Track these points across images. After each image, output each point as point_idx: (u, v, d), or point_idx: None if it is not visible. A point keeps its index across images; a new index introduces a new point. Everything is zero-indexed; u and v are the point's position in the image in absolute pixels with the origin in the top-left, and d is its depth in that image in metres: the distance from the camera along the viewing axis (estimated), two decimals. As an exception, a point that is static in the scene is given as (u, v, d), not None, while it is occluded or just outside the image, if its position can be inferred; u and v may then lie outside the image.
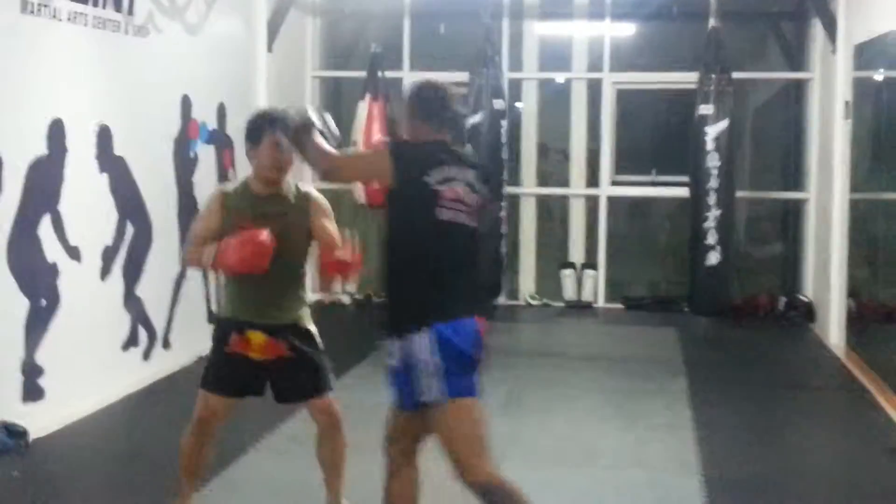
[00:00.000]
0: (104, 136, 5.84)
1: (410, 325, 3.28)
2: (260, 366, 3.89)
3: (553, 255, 9.51)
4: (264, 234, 3.66)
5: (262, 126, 3.80)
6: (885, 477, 4.71)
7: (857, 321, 7.29)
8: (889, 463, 4.89)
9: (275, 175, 3.85)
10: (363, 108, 8.63)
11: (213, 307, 7.15)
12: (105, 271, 5.91)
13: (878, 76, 7.89)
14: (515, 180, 9.18)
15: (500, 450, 4.92)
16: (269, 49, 8.13)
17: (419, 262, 3.33)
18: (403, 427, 3.52)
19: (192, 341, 6.74)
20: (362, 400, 5.79)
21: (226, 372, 3.90)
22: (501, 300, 9.09)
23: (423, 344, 3.25)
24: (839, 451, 5.25)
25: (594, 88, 9.30)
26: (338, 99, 10.11)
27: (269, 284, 3.81)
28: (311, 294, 9.08)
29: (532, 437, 5.21)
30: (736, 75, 8.49)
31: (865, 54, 7.68)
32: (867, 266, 7.41)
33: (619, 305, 9.12)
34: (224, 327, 3.94)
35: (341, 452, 4.08)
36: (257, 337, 3.88)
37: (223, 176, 7.40)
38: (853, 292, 7.42)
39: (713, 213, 8.27)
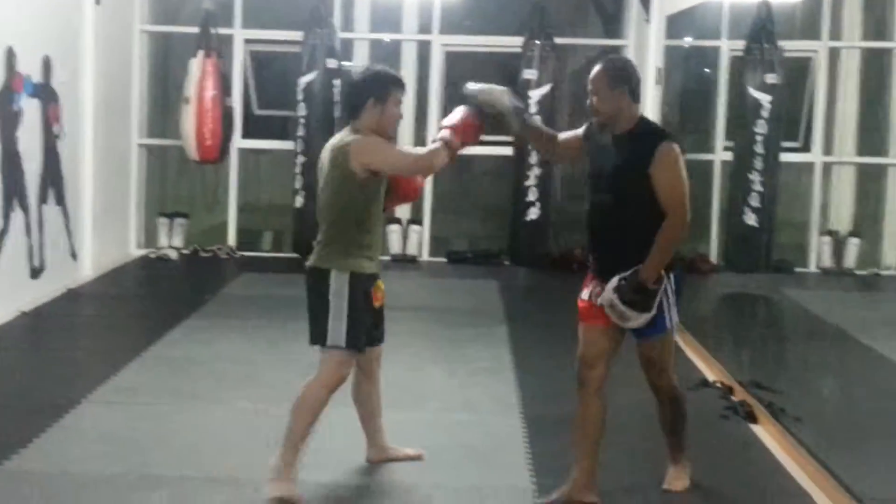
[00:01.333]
0: (-76, 88, 5.70)
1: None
2: (379, 312, 4.08)
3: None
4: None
5: (387, 84, 3.94)
6: (689, 407, 5.18)
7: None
8: (690, 395, 5.36)
9: (393, 132, 4.05)
10: (196, 65, 8.59)
11: (37, 262, 7.07)
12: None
13: (685, 44, 8.47)
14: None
15: (335, 398, 5.19)
16: (97, 2, 7.98)
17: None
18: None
19: (15, 297, 6.67)
20: (196, 353, 5.94)
21: (369, 326, 3.99)
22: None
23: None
24: (644, 386, 5.68)
25: (424, 50, 9.55)
26: (167, 54, 10.00)
27: (380, 232, 4.08)
28: (137, 250, 9.14)
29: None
30: (558, 41, 8.92)
31: (675, 25, 8.22)
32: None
33: (443, 259, 9.46)
34: (364, 283, 3.92)
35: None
36: (381, 284, 4.07)
37: (48, 130, 7.28)
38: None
39: (534, 172, 8.75)
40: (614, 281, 3.80)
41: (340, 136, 3.96)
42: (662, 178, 3.77)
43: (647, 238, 3.77)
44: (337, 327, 3.86)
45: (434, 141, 3.95)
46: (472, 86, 4.08)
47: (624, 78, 3.86)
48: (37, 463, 4.15)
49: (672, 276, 3.86)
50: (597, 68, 3.90)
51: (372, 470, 4.21)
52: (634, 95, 3.87)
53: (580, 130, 4.08)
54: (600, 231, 3.94)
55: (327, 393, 3.96)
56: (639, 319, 3.83)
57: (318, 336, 3.94)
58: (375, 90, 3.92)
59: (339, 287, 3.87)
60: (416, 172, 4.04)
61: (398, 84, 3.97)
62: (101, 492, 3.89)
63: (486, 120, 3.97)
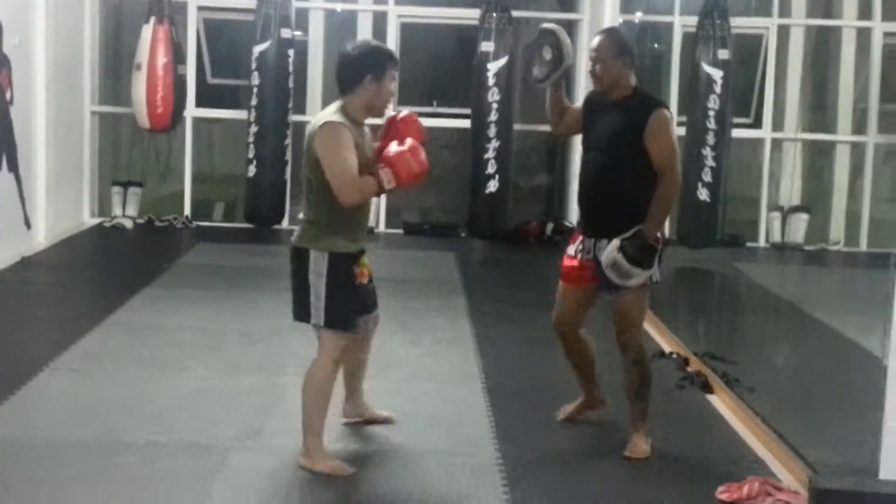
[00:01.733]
0: None
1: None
2: (365, 288, 4.06)
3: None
4: (416, 143, 3.91)
5: (385, 61, 3.91)
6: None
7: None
8: (653, 365, 5.49)
9: (385, 110, 4.04)
10: (147, 31, 8.48)
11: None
12: None
13: (637, 19, 8.56)
14: (301, 109, 9.32)
15: (296, 367, 5.23)
16: (48, -34, 7.86)
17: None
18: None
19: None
20: (157, 321, 5.93)
21: (356, 306, 3.98)
22: (284, 226, 9.27)
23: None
24: (600, 359, 5.80)
25: (380, 20, 9.53)
26: (119, 20, 9.86)
27: (368, 209, 4.09)
28: (91, 218, 9.04)
29: (323, 353, 5.47)
30: (514, 13, 8.96)
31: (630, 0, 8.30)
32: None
33: (399, 231, 9.50)
34: (344, 263, 3.90)
35: None
36: (365, 260, 4.06)
37: (0, 96, 7.17)
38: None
39: (493, 145, 8.79)
40: (616, 242, 4.00)
41: (324, 114, 3.92)
42: (657, 142, 4.03)
43: (636, 198, 4.06)
44: (318, 306, 3.87)
45: (374, 172, 3.81)
46: (550, 25, 4.25)
47: (627, 49, 4.13)
48: (4, 429, 4.15)
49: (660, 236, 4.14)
50: (601, 38, 4.16)
51: (337, 436, 4.26)
52: (632, 65, 4.14)
53: (580, 103, 4.39)
54: (593, 191, 4.20)
55: (333, 365, 3.99)
56: (640, 277, 4.04)
57: (301, 314, 3.96)
58: (373, 66, 3.88)
59: (317, 267, 3.87)
60: (341, 194, 3.76)
61: (394, 61, 3.96)
62: (70, 457, 3.90)
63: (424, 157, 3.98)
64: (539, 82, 4.28)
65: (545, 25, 4.25)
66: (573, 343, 4.44)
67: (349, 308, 3.93)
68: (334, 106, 3.93)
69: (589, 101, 4.31)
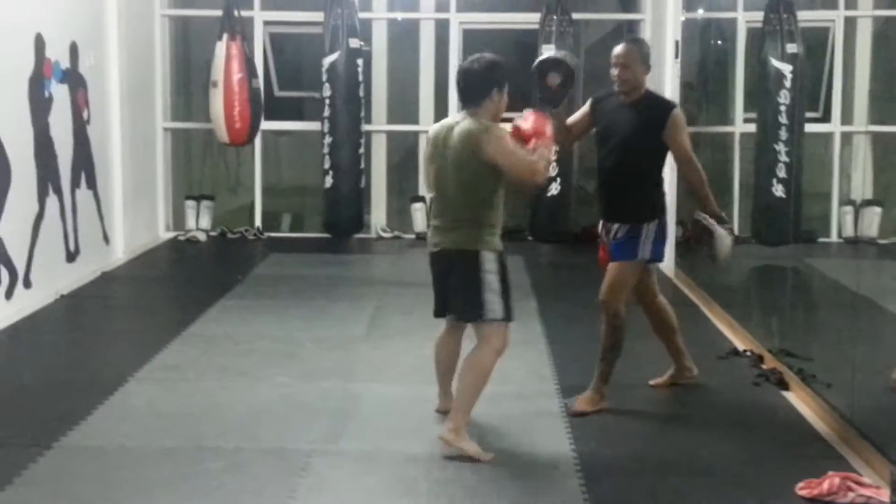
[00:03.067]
0: (-39, 76, 5.80)
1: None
2: None
3: (404, 189, 9.87)
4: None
5: (506, 74, 4.20)
6: (718, 376, 5.30)
7: (684, 245, 7.95)
8: (720, 364, 5.50)
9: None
10: (221, 48, 8.65)
11: (72, 246, 7.20)
12: (-33, 212, 5.91)
13: (702, 18, 8.52)
14: (368, 118, 9.43)
15: (369, 371, 5.32)
16: (120, -13, 8.08)
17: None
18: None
19: (53, 280, 6.81)
20: (234, 331, 6.06)
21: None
22: (362, 234, 9.40)
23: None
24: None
25: (442, 28, 9.61)
26: (187, 38, 10.09)
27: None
28: (166, 232, 9.25)
29: (397, 359, 5.55)
30: (575, 16, 8.97)
31: (692, -2, 8.26)
32: (692, 195, 8.04)
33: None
34: (505, 259, 4.27)
35: None
36: None
37: (78, 116, 7.38)
38: (681, 219, 8.07)
39: (554, 149, 8.78)
40: (722, 231, 4.61)
41: (465, 122, 4.14)
42: (677, 138, 4.57)
43: (649, 188, 4.69)
44: (494, 301, 4.17)
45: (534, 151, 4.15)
46: (555, 53, 4.91)
47: (648, 56, 4.67)
48: (93, 438, 4.28)
49: (658, 221, 4.69)
50: (627, 46, 4.65)
51: (413, 438, 4.32)
52: (648, 71, 4.67)
53: (585, 108, 4.85)
54: (612, 180, 4.72)
55: (496, 358, 4.27)
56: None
57: (472, 313, 4.23)
58: (499, 80, 4.17)
59: (490, 266, 4.16)
60: (537, 176, 4.14)
61: (510, 73, 4.24)
62: (160, 464, 4.02)
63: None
64: (552, 108, 4.70)
65: (548, 55, 4.73)
66: (651, 315, 5.02)
67: (513, 301, 4.27)
68: (463, 115, 4.19)
69: (598, 102, 4.80)
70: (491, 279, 4.15)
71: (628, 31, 9.96)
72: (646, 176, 4.66)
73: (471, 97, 4.15)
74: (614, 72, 4.60)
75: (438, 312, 4.45)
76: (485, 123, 4.11)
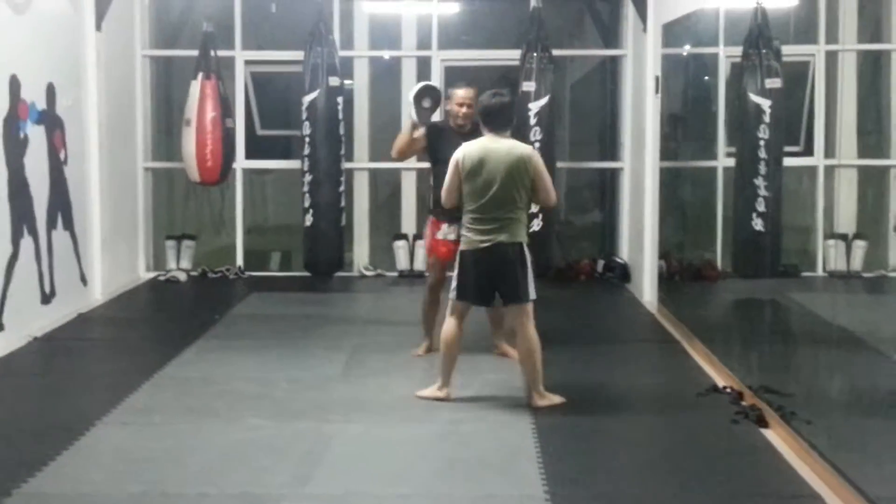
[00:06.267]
0: (-69, 118, 5.75)
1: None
2: None
3: (387, 227, 9.82)
4: None
5: None
6: (697, 413, 5.25)
7: (666, 280, 7.91)
8: (699, 401, 5.43)
9: None
10: (196, 87, 8.64)
11: (47, 288, 7.13)
12: (-63, 254, 5.84)
13: (683, 53, 8.52)
14: (349, 155, 9.41)
15: (344, 411, 5.24)
16: (98, 28, 8.06)
17: None
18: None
19: (27, 322, 6.73)
20: (208, 372, 5.98)
21: None
22: (343, 273, 9.35)
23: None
24: (656, 394, 5.75)
25: (424, 65, 9.61)
26: (168, 78, 10.07)
27: None
28: (146, 273, 9.17)
29: (374, 398, 5.48)
30: (556, 52, 8.98)
31: (672, 33, 8.27)
32: (675, 230, 8.02)
33: (451, 273, 9.46)
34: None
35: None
36: None
37: (54, 156, 7.34)
38: (663, 254, 8.03)
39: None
40: None
41: (508, 142, 5.26)
42: None
43: None
44: (531, 285, 5.26)
45: None
46: (429, 83, 6.52)
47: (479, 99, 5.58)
48: (55, 485, 4.19)
49: None
50: (470, 91, 6.02)
51: (385, 480, 4.25)
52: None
53: (422, 131, 6.13)
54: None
55: (534, 329, 5.26)
56: None
57: (521, 295, 5.25)
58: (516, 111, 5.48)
59: (527, 256, 5.26)
60: (547, 200, 5.41)
61: None
62: (120, 512, 3.92)
63: None
64: (422, 125, 6.11)
65: (426, 83, 6.34)
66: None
67: None
68: (494, 138, 5.25)
69: (434, 129, 6.14)
70: (530, 266, 5.22)
71: (611, 67, 9.98)
72: None
73: (504, 123, 5.28)
74: (462, 110, 5.99)
75: (485, 301, 5.47)
76: (528, 146, 5.38)
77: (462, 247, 5.39)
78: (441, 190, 5.50)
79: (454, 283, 5.42)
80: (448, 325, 5.40)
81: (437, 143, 6.07)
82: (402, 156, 6.35)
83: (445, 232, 6.10)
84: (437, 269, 6.30)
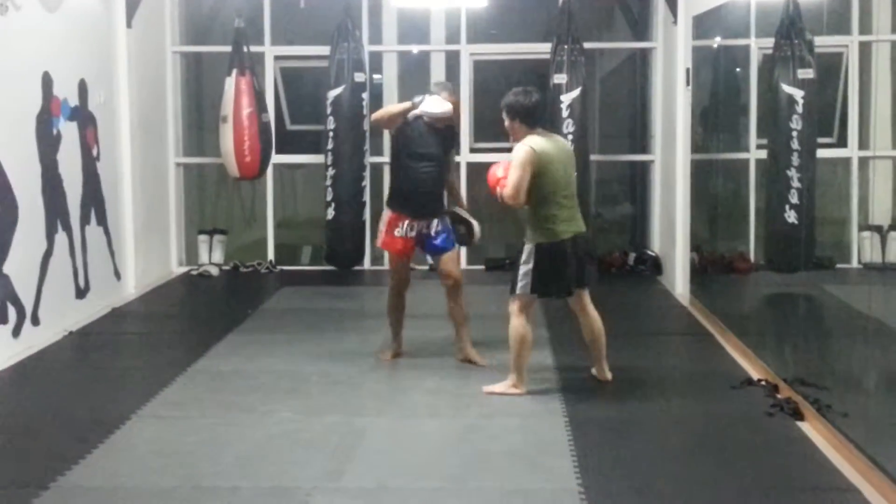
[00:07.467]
0: (-34, 115, 5.81)
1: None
2: None
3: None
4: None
5: None
6: (732, 406, 5.20)
7: (698, 272, 7.85)
8: (734, 394, 5.38)
9: None
10: (230, 83, 8.66)
11: (82, 283, 7.19)
12: (-27, 250, 5.90)
13: (714, 45, 8.45)
14: (378, 150, 9.41)
15: (375, 405, 5.24)
16: (129, 25, 8.11)
17: None
18: None
19: (62, 317, 6.79)
20: (241, 367, 6.01)
21: None
22: (366, 265, 9.36)
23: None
24: (690, 387, 5.71)
25: (452, 59, 9.59)
26: (199, 74, 10.12)
27: None
28: (179, 267, 9.23)
29: (405, 392, 5.48)
30: (586, 45, 8.93)
31: (702, 25, 8.20)
32: (706, 222, 7.96)
33: (481, 267, 9.48)
34: None
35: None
36: None
37: (87, 153, 7.40)
38: (695, 246, 7.97)
39: (568, 178, 8.73)
40: (474, 220, 6.12)
41: (558, 137, 5.49)
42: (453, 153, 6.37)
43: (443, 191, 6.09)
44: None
45: None
46: (459, 211, 6.17)
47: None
48: (91, 479, 4.22)
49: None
50: (450, 97, 6.00)
51: (417, 473, 4.24)
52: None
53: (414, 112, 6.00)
54: (424, 186, 5.91)
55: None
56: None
57: (590, 280, 5.61)
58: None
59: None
60: None
61: None
62: (154, 505, 3.94)
63: None
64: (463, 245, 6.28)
65: (456, 211, 6.13)
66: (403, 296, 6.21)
67: None
68: (545, 132, 5.35)
69: (407, 120, 5.92)
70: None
71: (641, 59, 9.92)
72: (444, 180, 6.01)
73: (540, 119, 5.35)
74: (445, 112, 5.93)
75: (567, 292, 5.46)
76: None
77: (539, 241, 5.28)
78: (399, 182, 5.91)
79: (527, 279, 5.29)
80: (520, 323, 5.36)
81: (410, 135, 5.89)
82: (382, 120, 5.99)
83: (405, 229, 5.94)
84: (400, 268, 6.13)
